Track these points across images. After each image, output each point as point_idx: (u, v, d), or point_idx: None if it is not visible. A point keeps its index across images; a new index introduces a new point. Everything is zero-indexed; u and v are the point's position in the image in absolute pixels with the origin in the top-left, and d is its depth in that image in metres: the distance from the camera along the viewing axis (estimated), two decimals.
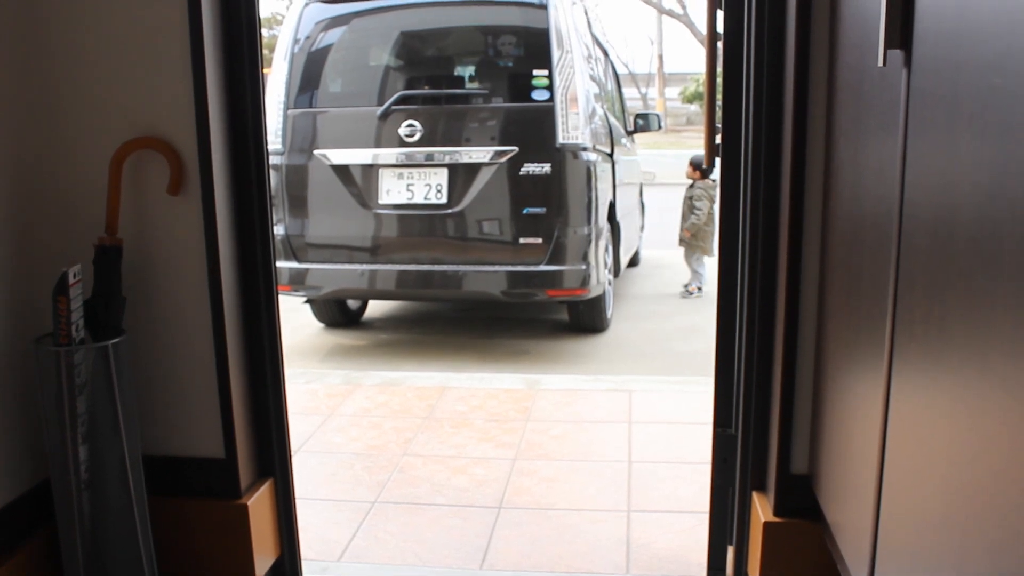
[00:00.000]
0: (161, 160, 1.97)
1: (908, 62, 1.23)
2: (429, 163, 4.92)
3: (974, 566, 0.98)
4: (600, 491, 2.84)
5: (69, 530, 1.86)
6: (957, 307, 1.04)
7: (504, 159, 4.84)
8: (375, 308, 6.27)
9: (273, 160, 4.99)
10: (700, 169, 6.78)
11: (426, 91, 5.13)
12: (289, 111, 5.10)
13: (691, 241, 6.72)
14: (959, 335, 1.04)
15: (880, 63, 1.29)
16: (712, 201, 6.69)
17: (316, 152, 5.04)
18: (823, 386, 1.84)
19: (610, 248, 5.53)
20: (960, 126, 1.04)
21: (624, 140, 6.74)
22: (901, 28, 1.24)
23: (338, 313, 5.78)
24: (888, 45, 1.26)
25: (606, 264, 5.33)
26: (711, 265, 6.86)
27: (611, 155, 5.68)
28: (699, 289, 6.74)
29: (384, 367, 4.79)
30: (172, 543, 2.10)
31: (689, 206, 6.74)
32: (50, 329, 1.86)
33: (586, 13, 6.24)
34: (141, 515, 1.93)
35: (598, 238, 5.03)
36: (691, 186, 6.79)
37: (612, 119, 6.14)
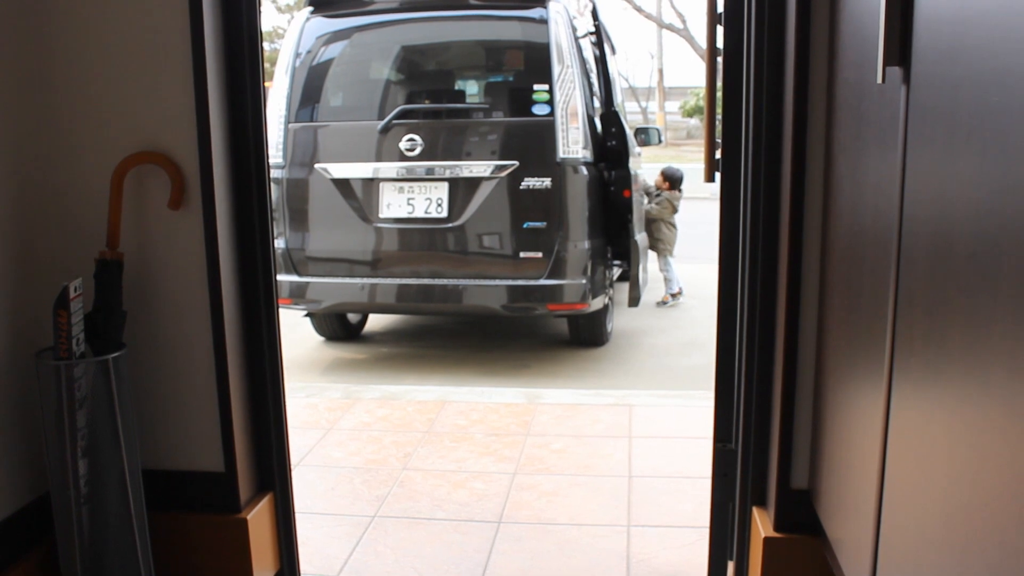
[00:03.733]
0: (162, 174, 1.98)
1: (907, 79, 1.24)
2: (430, 177, 4.93)
3: None
4: (600, 506, 2.83)
5: (68, 544, 1.86)
6: (957, 323, 1.05)
7: (504, 173, 4.84)
8: (375, 322, 6.27)
9: (274, 174, 5.00)
10: (671, 180, 6.81)
11: (427, 105, 5.15)
12: (290, 125, 5.11)
13: (653, 240, 6.68)
14: (959, 351, 1.04)
15: (879, 80, 1.29)
16: (675, 212, 6.82)
17: (317, 166, 5.05)
18: (823, 401, 1.84)
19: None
20: (959, 142, 1.05)
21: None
22: (900, 45, 1.25)
23: (338, 327, 5.78)
24: (887, 62, 1.27)
25: (607, 279, 5.33)
26: (676, 266, 6.90)
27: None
28: (672, 297, 6.72)
29: (384, 381, 4.78)
30: (171, 557, 2.09)
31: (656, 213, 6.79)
32: (50, 343, 1.86)
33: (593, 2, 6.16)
34: (140, 529, 1.93)
35: (598, 252, 5.03)
36: (657, 195, 6.83)
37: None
